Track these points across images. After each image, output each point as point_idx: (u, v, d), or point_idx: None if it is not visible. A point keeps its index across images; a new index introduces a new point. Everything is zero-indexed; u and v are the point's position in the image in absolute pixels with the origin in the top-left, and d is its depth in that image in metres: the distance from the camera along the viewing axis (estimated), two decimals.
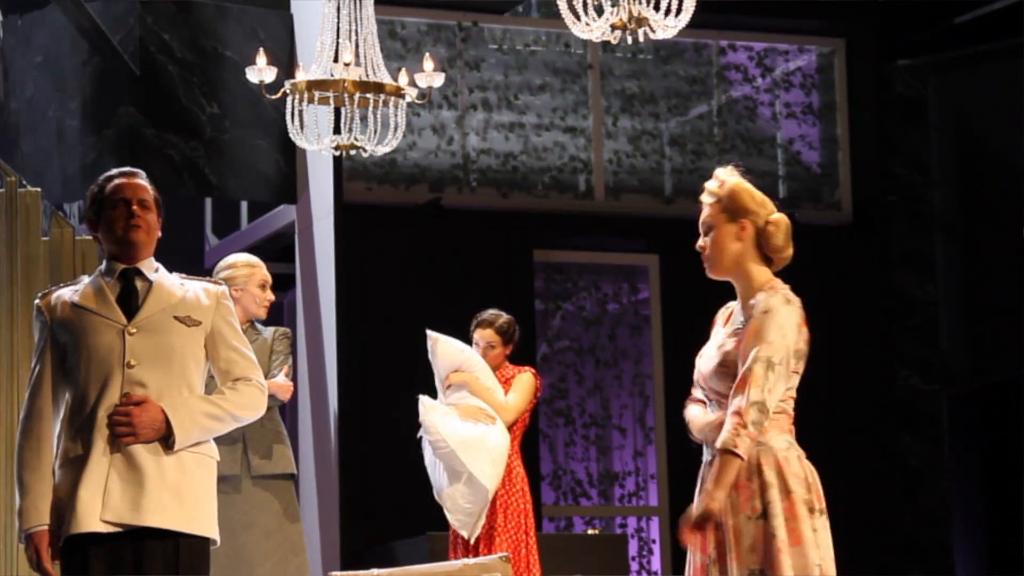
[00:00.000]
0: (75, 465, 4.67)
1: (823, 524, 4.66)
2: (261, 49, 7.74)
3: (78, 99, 10.27)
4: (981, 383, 12.06)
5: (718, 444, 4.60)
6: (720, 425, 4.67)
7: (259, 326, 7.36)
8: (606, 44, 6.30)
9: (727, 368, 4.71)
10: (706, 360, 4.81)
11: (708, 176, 4.93)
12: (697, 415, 4.82)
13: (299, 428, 10.29)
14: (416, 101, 7.70)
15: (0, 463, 7.22)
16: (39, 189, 7.79)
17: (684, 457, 6.06)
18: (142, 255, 4.84)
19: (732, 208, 4.78)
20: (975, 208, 12.09)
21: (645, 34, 6.03)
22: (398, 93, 7.61)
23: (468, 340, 8.08)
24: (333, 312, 10.04)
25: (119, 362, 4.70)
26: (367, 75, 7.55)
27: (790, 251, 4.81)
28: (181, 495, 4.67)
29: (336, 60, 7.54)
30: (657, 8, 5.99)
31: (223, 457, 5.32)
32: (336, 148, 7.76)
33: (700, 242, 4.84)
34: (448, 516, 7.85)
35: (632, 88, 11.80)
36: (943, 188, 12.18)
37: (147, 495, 4.63)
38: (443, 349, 7.99)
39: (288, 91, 7.58)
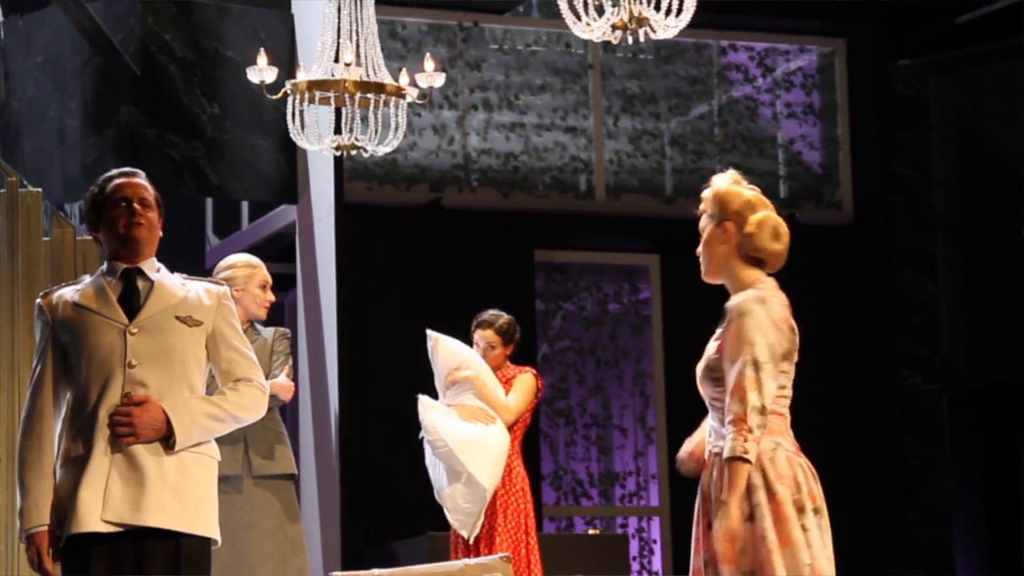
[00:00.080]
0: (76, 465, 4.67)
1: (817, 523, 4.64)
2: (262, 49, 7.74)
3: (79, 99, 10.26)
4: (981, 383, 12.05)
5: (725, 453, 4.59)
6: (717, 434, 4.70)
7: (259, 327, 7.35)
8: (607, 44, 6.30)
9: (711, 372, 4.74)
10: (699, 365, 4.84)
11: (709, 176, 4.96)
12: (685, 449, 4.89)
13: (300, 428, 10.29)
14: (417, 101, 7.70)
15: (0, 463, 7.21)
16: (40, 189, 7.77)
17: None
18: (144, 254, 4.84)
19: (715, 212, 4.82)
20: (976, 208, 12.08)
21: (646, 34, 6.03)
22: (399, 93, 7.61)
23: (468, 340, 8.07)
24: (334, 312, 10.03)
25: (120, 362, 4.70)
26: (368, 75, 7.55)
27: (778, 248, 4.80)
28: (182, 495, 4.67)
29: (337, 60, 7.54)
30: (658, 8, 5.99)
31: (224, 457, 5.32)
32: (337, 148, 7.76)
33: (698, 248, 4.88)
34: (448, 516, 7.85)
35: (633, 88, 11.79)
36: (944, 188, 12.18)
37: (148, 495, 4.62)
38: (443, 349, 7.98)
39: (289, 91, 7.58)
